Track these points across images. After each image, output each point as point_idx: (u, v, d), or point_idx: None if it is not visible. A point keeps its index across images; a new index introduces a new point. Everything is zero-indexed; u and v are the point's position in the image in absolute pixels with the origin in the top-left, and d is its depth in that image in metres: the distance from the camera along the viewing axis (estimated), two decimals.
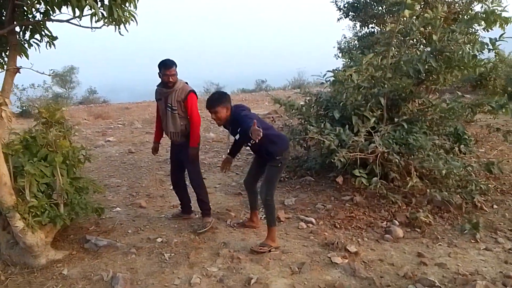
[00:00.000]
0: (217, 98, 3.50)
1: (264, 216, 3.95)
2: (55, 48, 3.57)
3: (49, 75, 4.13)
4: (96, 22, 3.13)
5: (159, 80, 3.90)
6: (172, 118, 3.88)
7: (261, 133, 2.89)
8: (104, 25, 3.20)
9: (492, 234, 3.95)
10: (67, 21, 3.32)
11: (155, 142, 4.33)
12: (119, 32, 3.24)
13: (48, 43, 3.58)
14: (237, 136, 3.48)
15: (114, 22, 3.18)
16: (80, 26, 3.38)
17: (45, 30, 3.54)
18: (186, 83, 3.95)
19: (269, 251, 3.53)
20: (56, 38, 3.59)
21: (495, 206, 4.56)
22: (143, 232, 4.02)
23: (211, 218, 4.11)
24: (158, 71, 3.83)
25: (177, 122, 3.89)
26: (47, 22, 3.49)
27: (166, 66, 3.79)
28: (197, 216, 4.33)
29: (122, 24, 3.21)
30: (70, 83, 20.65)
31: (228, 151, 4.02)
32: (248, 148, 3.77)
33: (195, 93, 3.94)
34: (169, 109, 3.87)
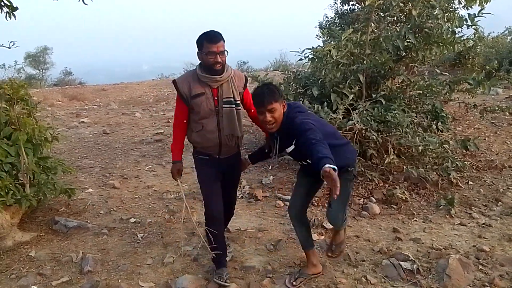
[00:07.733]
0: (273, 91, 2.40)
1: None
2: (15, 19, 3.36)
3: (9, 48, 3.83)
4: None
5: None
6: (238, 118, 2.64)
7: (338, 186, 1.90)
8: None
9: (466, 210, 4.00)
10: None
11: (176, 162, 2.75)
12: (83, 1, 3.06)
13: (7, 14, 3.37)
14: (291, 148, 2.47)
15: None
16: None
17: (4, 0, 3.32)
18: None
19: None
20: (16, 8, 3.37)
21: (470, 183, 4.61)
22: (116, 212, 3.90)
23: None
24: (197, 50, 2.52)
25: (241, 123, 2.69)
26: None
27: (212, 39, 2.44)
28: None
29: None
30: (44, 64, 19.94)
31: (250, 154, 3.01)
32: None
33: None
34: (232, 106, 2.60)
